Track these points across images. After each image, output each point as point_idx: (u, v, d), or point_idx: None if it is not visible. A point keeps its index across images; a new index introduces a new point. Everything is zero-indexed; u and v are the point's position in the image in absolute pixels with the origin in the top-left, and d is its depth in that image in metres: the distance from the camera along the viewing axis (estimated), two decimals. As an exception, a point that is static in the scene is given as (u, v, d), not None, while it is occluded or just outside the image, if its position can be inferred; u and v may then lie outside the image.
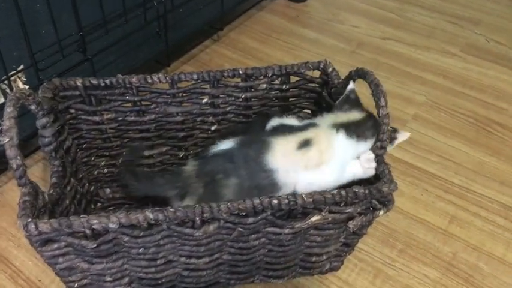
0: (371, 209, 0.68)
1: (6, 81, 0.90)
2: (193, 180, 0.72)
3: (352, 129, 0.72)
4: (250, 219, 0.63)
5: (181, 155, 0.90)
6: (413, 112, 1.19)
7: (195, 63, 1.30)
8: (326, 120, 0.75)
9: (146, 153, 0.89)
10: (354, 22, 1.51)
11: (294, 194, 0.62)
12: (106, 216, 0.57)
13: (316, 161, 0.70)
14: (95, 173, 0.88)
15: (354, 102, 0.76)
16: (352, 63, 1.31)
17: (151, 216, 0.58)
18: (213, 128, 0.88)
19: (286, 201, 0.62)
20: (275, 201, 0.61)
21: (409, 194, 0.98)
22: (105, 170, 0.89)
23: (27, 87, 0.94)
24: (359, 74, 0.73)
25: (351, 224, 0.67)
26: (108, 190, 0.91)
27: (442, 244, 0.90)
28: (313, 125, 0.74)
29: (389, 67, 1.33)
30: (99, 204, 0.89)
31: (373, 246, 0.88)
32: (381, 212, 0.67)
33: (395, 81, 1.28)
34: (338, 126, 0.73)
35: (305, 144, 0.70)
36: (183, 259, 0.68)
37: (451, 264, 0.86)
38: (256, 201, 0.61)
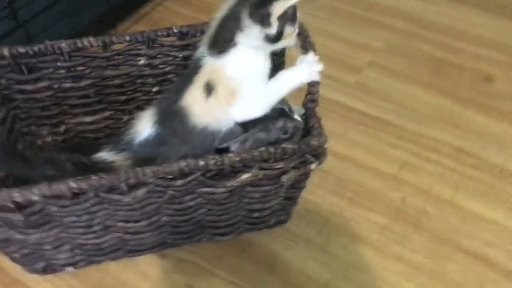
0: (305, 162, 0.67)
1: None
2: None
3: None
4: (179, 182, 0.63)
5: (126, 119, 0.89)
6: (369, 59, 1.17)
7: (146, 21, 1.26)
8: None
9: (89, 119, 0.88)
10: (312, -33, 1.45)
11: (221, 155, 0.62)
12: (28, 188, 0.57)
13: (229, 96, 0.66)
14: (39, 142, 0.87)
15: None
16: (308, 11, 1.26)
17: (74, 185, 0.58)
18: (154, 89, 0.87)
19: (213, 161, 0.61)
20: (202, 163, 0.61)
21: (361, 143, 0.98)
22: (49, 139, 0.88)
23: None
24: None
25: (284, 179, 0.67)
26: (55, 159, 0.90)
27: (391, 190, 0.90)
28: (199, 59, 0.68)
29: (347, 13, 1.29)
30: (47, 173, 0.89)
31: (322, 197, 0.89)
32: (314, 165, 0.67)
33: (352, 28, 1.25)
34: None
35: (209, 89, 0.66)
36: (120, 224, 0.68)
37: (400, 209, 0.88)
38: (183, 163, 0.61)
